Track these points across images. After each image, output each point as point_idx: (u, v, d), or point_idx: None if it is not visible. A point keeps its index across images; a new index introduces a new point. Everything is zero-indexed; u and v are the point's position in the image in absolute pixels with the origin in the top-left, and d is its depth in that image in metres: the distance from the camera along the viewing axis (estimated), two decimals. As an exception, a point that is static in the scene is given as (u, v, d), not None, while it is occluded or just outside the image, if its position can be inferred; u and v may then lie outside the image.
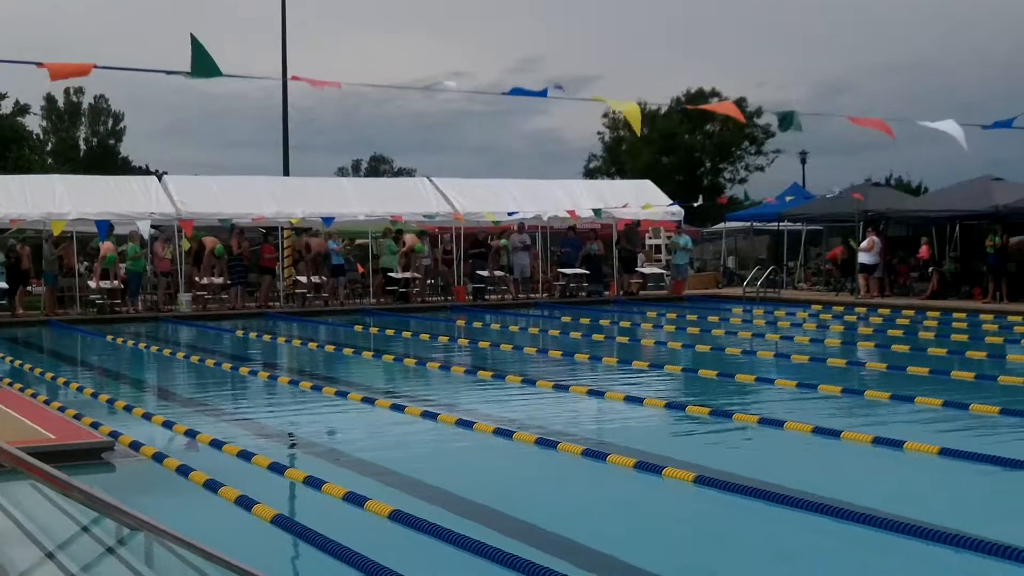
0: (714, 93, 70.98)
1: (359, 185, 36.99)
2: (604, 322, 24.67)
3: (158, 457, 9.86)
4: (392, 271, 29.74)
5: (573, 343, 20.51)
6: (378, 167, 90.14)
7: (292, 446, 11.36)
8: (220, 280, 28.44)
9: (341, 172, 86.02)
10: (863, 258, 30.02)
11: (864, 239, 30.16)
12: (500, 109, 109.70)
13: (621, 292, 32.66)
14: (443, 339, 21.41)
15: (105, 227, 26.35)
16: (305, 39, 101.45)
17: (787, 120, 15.61)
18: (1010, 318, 23.56)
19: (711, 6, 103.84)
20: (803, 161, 56.15)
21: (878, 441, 10.36)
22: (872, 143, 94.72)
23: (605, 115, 73.97)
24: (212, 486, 8.71)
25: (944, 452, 9.72)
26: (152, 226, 27.15)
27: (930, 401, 12.62)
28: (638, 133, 17.83)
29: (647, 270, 34.28)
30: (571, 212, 30.90)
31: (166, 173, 32.25)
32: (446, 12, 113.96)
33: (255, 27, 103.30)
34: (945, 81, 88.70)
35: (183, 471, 9.27)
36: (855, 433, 10.70)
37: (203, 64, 10.61)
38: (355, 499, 8.18)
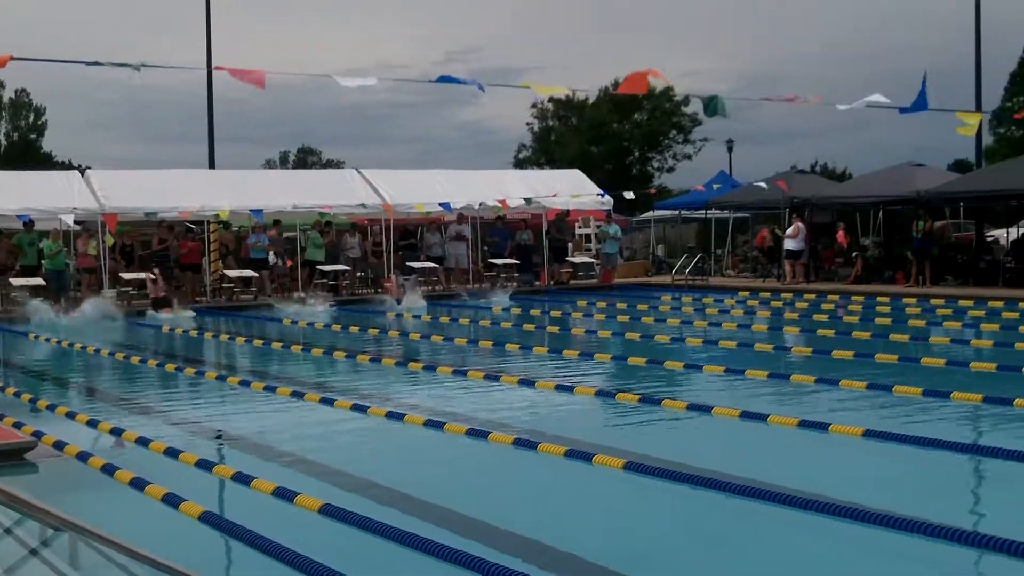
0: (641, 82, 71.26)
1: (287, 177, 36.83)
2: (535, 311, 24.74)
3: (83, 456, 9.74)
4: (319, 264, 29.59)
5: (504, 333, 20.56)
6: (306, 159, 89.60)
7: (220, 442, 11.28)
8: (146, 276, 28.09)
9: (269, 164, 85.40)
10: (788, 244, 30.38)
11: (789, 226, 30.48)
12: (430, 100, 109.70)
13: (552, 282, 32.75)
14: (373, 331, 21.33)
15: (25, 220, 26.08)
16: (232, 29, 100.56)
17: (712, 105, 15.74)
18: (932, 301, 23.93)
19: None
20: (730, 149, 56.65)
21: (804, 424, 10.49)
22: (797, 131, 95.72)
23: (534, 105, 74.17)
24: (138, 484, 8.62)
25: (868, 434, 9.87)
26: (76, 221, 26.81)
27: (855, 384, 12.81)
28: (564, 95, 17.88)
29: (577, 259, 34.41)
30: (502, 202, 30.92)
31: (90, 168, 31.82)
32: (376, 3, 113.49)
33: (182, 16, 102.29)
34: (868, 70, 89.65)
35: (108, 470, 9.17)
36: (782, 417, 10.83)
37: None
38: (285, 494, 8.14)
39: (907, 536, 6.84)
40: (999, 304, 22.69)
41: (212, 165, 38.42)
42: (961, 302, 23.59)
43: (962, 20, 40.45)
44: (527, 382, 14.02)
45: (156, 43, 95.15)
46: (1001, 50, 68.13)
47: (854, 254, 30.85)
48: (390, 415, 11.73)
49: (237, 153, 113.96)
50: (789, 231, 30.29)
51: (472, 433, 10.55)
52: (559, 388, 13.44)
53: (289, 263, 30.97)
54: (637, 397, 12.50)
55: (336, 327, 22.28)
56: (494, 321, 22.51)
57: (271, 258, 29.77)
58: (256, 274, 29.02)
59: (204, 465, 9.41)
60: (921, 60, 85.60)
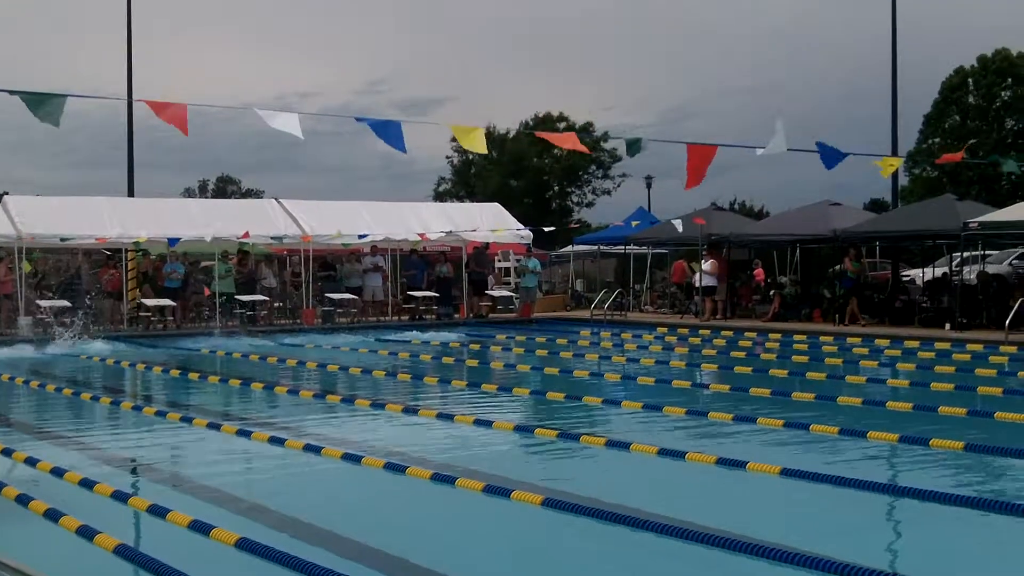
0: (561, 117, 71.94)
1: (206, 206, 36.47)
2: (454, 344, 24.67)
3: (-5, 486, 9.55)
4: (232, 295, 29.33)
5: (422, 366, 20.49)
6: (225, 188, 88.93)
7: (135, 474, 11.09)
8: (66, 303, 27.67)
9: (188, 193, 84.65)
10: (705, 280, 30.60)
11: (705, 262, 30.75)
12: (349, 130, 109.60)
13: (471, 315, 32.73)
14: (291, 362, 21.15)
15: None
16: (152, 55, 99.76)
17: (635, 146, 15.89)
18: (849, 340, 24.24)
19: (560, 31, 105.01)
20: (648, 185, 57.10)
21: (721, 462, 10.54)
22: (715, 168, 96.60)
23: (454, 139, 74.28)
24: (52, 515, 8.48)
25: (785, 472, 9.93)
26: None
27: (772, 422, 12.91)
28: (485, 152, 17.88)
29: (496, 293, 34.44)
30: (422, 235, 30.88)
31: (6, 193, 31.31)
32: (296, 32, 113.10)
33: (103, 39, 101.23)
34: (785, 108, 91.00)
35: (22, 500, 9.01)
36: (699, 454, 10.88)
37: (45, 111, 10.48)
38: (200, 527, 8.03)
39: (818, 574, 6.88)
40: (915, 344, 23.03)
41: (131, 193, 38.01)
42: (877, 341, 23.91)
43: (879, 59, 41.17)
44: (445, 416, 13.97)
45: (75, 65, 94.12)
46: (916, 91, 69.56)
47: (771, 292, 31.20)
48: (307, 447, 11.63)
49: (156, 181, 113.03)
50: (706, 267, 30.54)
51: (390, 467, 10.48)
52: (478, 423, 13.40)
53: (207, 292, 30.69)
54: (555, 432, 12.50)
55: (254, 357, 22.04)
56: (412, 354, 22.42)
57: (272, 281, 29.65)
58: (173, 303, 28.72)
59: (119, 497, 9.26)
60: (838, 99, 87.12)
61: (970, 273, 29.56)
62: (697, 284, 30.65)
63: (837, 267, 32.20)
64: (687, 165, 15.95)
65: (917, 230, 28.84)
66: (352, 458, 10.95)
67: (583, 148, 14.96)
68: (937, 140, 54.16)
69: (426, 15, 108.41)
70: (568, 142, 15.64)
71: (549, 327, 30.05)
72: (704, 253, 30.70)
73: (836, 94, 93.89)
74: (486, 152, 14.24)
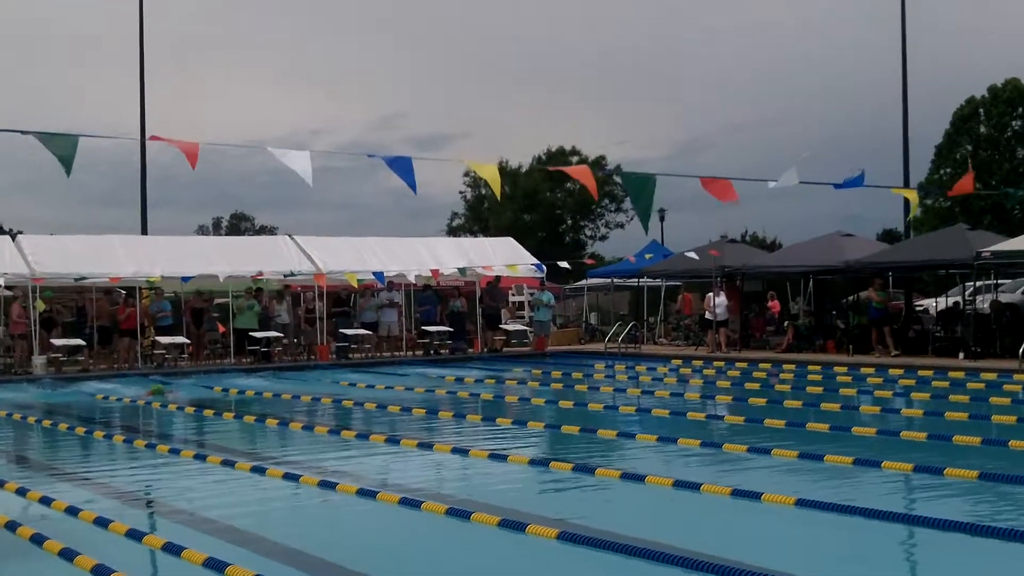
0: (574, 151, 72.10)
1: (219, 243, 36.64)
2: (468, 379, 24.70)
3: (11, 526, 9.59)
4: (252, 331, 29.42)
5: (438, 401, 20.51)
6: (239, 225, 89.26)
7: (151, 512, 11.14)
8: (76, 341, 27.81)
9: (201, 230, 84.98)
10: (719, 313, 30.54)
11: (719, 295, 30.68)
12: (363, 165, 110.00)
13: (485, 349, 32.77)
14: (305, 399, 21.18)
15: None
16: (166, 92, 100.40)
17: (642, 198, 15.91)
18: (863, 370, 24.21)
19: (574, 65, 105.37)
20: (662, 219, 57.03)
21: (737, 493, 10.54)
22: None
23: (467, 174, 74.62)
24: (68, 555, 8.51)
25: (800, 503, 9.93)
26: (6, 287, 26.52)
27: (786, 453, 12.89)
28: (499, 197, 17.93)
29: (510, 327, 34.46)
30: (434, 272, 30.97)
31: (20, 232, 31.52)
32: (308, 68, 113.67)
33: (116, 78, 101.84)
34: (795, 140, 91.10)
35: (37, 539, 9.04)
36: (714, 485, 10.87)
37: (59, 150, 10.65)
38: (215, 564, 8.04)
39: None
40: (928, 373, 22.98)
41: (145, 231, 38.24)
42: (891, 371, 23.87)
43: (891, 91, 41.31)
44: (460, 450, 13.98)
45: (87, 103, 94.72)
46: (928, 122, 69.69)
47: (785, 323, 31.18)
48: (323, 484, 11.65)
49: (169, 218, 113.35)
50: (719, 299, 30.47)
51: (405, 502, 10.49)
52: (492, 456, 13.41)
53: (222, 329, 30.79)
54: (571, 466, 12.50)
55: (268, 395, 22.08)
56: (428, 388, 22.44)
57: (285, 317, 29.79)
58: (188, 340, 28.86)
59: (134, 535, 9.28)
60: (850, 130, 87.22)
61: (983, 302, 29.51)
62: (711, 317, 30.58)
63: (851, 298, 32.19)
64: (712, 192, 16.02)
65: (930, 260, 28.82)
66: (367, 494, 10.97)
67: (593, 187, 14.95)
68: (948, 170, 54.14)
69: (439, 51, 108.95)
70: (581, 175, 15.63)
71: (563, 360, 30.05)
72: (718, 286, 30.70)
73: (847, 126, 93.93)
74: (498, 193, 14.34)
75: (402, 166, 13.89)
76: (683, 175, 15.55)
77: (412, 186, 13.99)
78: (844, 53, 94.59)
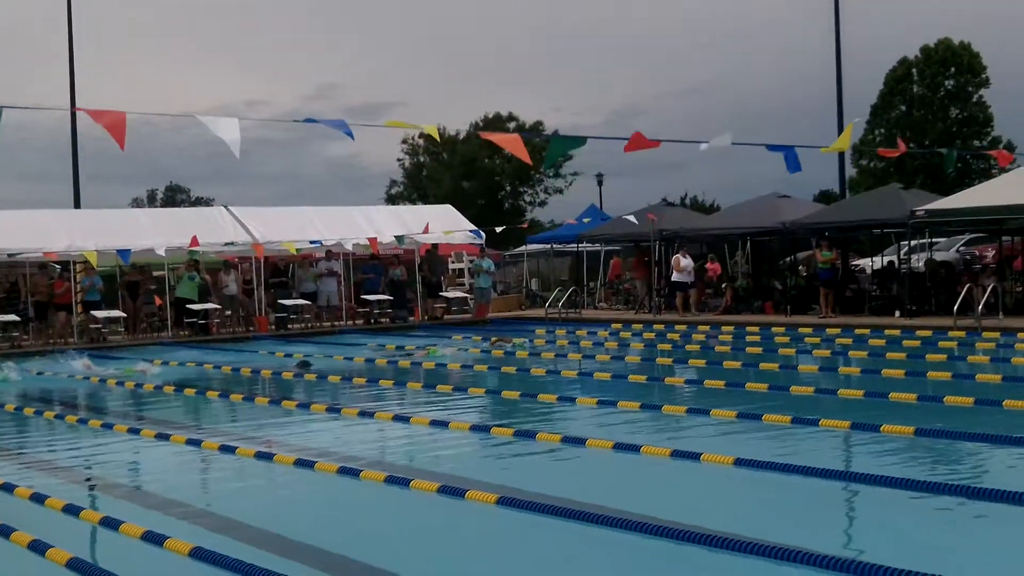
0: (511, 117, 71.90)
1: (155, 216, 36.21)
2: (409, 348, 24.63)
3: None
4: (191, 302, 29.15)
5: (378, 369, 20.44)
6: (175, 197, 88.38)
7: (89, 487, 11.03)
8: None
9: (136, 203, 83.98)
10: (678, 277, 30.35)
11: (684, 258, 30.43)
12: (298, 136, 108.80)
13: (426, 317, 32.69)
14: (246, 371, 21.03)
15: None
16: (97, 66, 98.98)
17: (565, 146, 15.78)
18: (800, 330, 24.41)
19: (508, 33, 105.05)
20: (600, 183, 57.13)
21: (676, 454, 10.60)
22: (666, 164, 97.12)
23: (404, 141, 74.23)
24: (3, 531, 8.41)
25: (739, 462, 10.00)
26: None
27: (725, 413, 12.97)
28: (438, 139, 17.80)
29: (451, 294, 34.39)
30: (372, 240, 30.81)
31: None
32: (242, 40, 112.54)
33: (46, 52, 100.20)
34: (730, 104, 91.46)
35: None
36: (654, 447, 10.92)
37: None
38: (154, 538, 7.98)
39: (779, 564, 6.93)
40: (865, 331, 23.20)
41: (78, 205, 37.75)
42: (828, 330, 24.08)
43: (825, 54, 41.50)
44: (402, 418, 13.96)
45: (16, 76, 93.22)
46: (863, 83, 70.16)
47: (723, 285, 31.34)
48: (259, 455, 11.58)
49: (103, 192, 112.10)
50: (684, 262, 30.19)
51: (343, 471, 10.45)
52: (434, 424, 13.40)
53: (159, 302, 30.48)
54: (512, 431, 12.52)
55: (208, 366, 21.90)
56: (368, 358, 22.35)
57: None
58: (123, 314, 28.56)
59: (71, 510, 9.18)
60: (785, 93, 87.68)
61: (918, 261, 29.83)
62: (680, 278, 30.27)
63: (788, 259, 32.39)
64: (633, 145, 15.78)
65: (865, 220, 29.09)
66: (305, 464, 10.91)
67: (526, 156, 14.70)
68: (883, 131, 54.60)
69: (372, 21, 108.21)
70: (512, 144, 15.33)
71: (504, 327, 30.04)
72: (682, 250, 30.54)
73: (782, 89, 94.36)
74: (438, 137, 14.15)
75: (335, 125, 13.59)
76: (611, 137, 15.37)
77: (349, 134, 13.65)
78: (778, 17, 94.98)
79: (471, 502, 8.97)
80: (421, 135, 72.57)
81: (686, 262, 30.38)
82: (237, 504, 9.58)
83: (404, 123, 14.85)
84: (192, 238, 28.12)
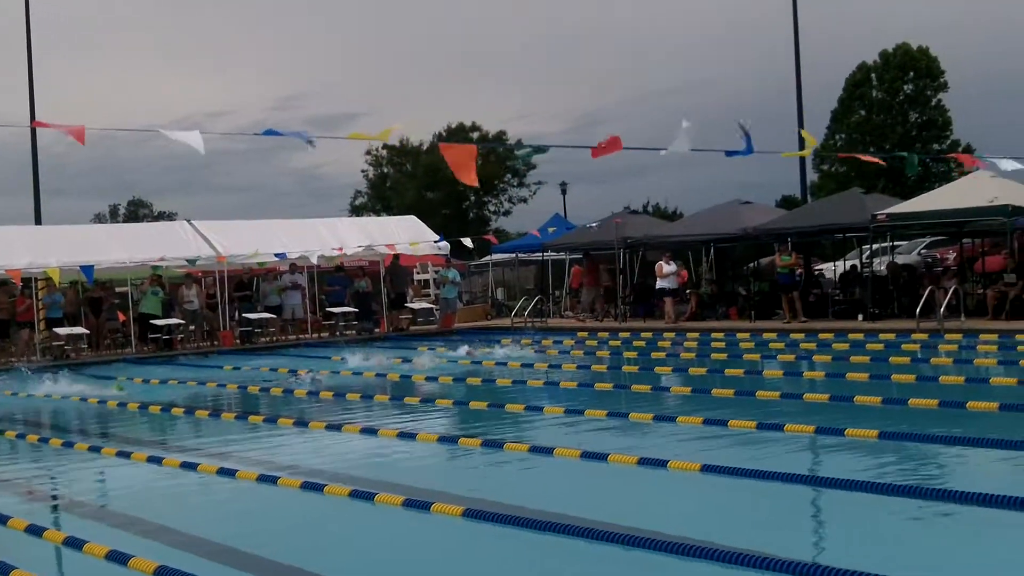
0: (475, 127, 71.97)
1: (117, 231, 36.01)
2: (377, 359, 24.54)
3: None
4: (155, 317, 28.99)
5: (345, 382, 20.36)
6: (137, 211, 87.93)
7: (52, 507, 10.93)
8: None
9: (98, 218, 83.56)
10: (662, 283, 30.10)
11: (669, 264, 30.17)
12: (262, 147, 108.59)
13: (391, 328, 32.62)
14: (211, 385, 20.92)
15: None
16: (56, 78, 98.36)
17: (523, 156, 15.72)
18: (765, 335, 24.49)
19: (470, 41, 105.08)
20: (563, 192, 57.25)
21: (643, 462, 10.61)
22: (628, 171, 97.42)
23: (368, 152, 74.19)
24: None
25: (706, 468, 10.03)
26: None
27: (692, 420, 13.01)
28: (399, 140, 17.53)
29: (417, 305, 34.32)
30: (338, 249, 30.72)
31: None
32: (204, 51, 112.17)
33: (3, 66, 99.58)
34: (693, 111, 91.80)
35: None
36: (621, 455, 10.93)
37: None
38: (118, 557, 7.92)
39: (747, 570, 6.94)
40: (829, 336, 23.29)
41: (39, 220, 37.50)
42: (793, 335, 24.16)
43: (784, 59, 41.83)
44: (369, 431, 13.91)
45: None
46: (823, 88, 70.57)
47: (688, 291, 31.40)
48: (221, 471, 11.51)
49: (65, 207, 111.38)
50: (669, 268, 29.81)
51: (307, 486, 10.40)
52: (401, 436, 13.37)
53: (122, 318, 30.30)
54: (479, 441, 12.51)
55: (173, 381, 21.77)
56: (334, 370, 22.27)
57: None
58: (86, 331, 28.37)
59: (34, 531, 9.10)
60: (746, 99, 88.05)
61: (881, 265, 30.00)
62: (664, 285, 29.98)
63: (752, 265, 32.51)
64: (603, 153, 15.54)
65: (827, 224, 29.21)
66: (268, 479, 10.86)
67: (472, 179, 14.53)
68: (843, 135, 54.94)
69: (336, 31, 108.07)
70: (462, 163, 14.92)
71: (470, 337, 29.98)
72: (665, 256, 30.27)
73: (743, 96, 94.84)
74: (397, 140, 14.03)
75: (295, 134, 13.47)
76: (577, 146, 15.36)
77: (310, 141, 13.53)
78: (738, 23, 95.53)
79: (437, 515, 8.94)
80: (385, 146, 72.58)
81: (669, 268, 30.00)
82: (201, 521, 9.52)
83: (366, 135, 14.62)
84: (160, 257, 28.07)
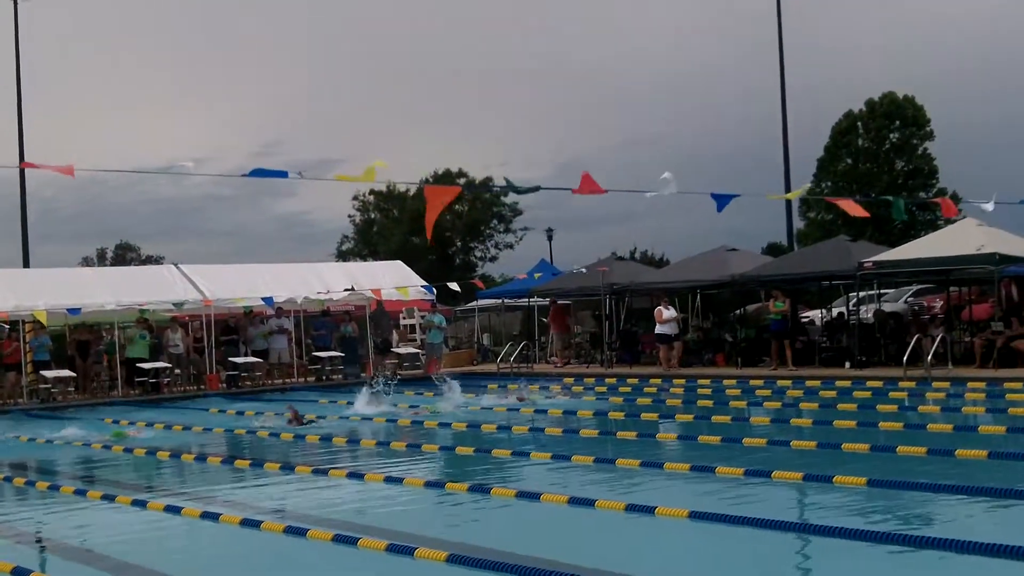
0: (461, 173, 72.12)
1: (103, 275, 35.96)
2: (323, 402, 24.49)
3: None
4: (142, 360, 28.92)
5: (331, 426, 20.28)
6: (124, 255, 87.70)
7: (40, 550, 10.86)
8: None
9: (86, 261, 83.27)
10: (661, 328, 29.43)
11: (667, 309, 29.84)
12: (248, 192, 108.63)
13: (377, 374, 32.54)
14: (197, 429, 20.83)
15: None
16: (44, 124, 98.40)
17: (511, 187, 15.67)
18: (752, 382, 24.47)
19: (455, 87, 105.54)
20: (550, 238, 57.46)
21: (631, 508, 10.58)
22: (613, 217, 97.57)
23: (355, 197, 74.31)
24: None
25: (693, 515, 10.00)
26: None
27: (679, 466, 12.98)
28: (379, 183, 17.48)
29: (403, 350, 34.27)
30: (323, 293, 30.70)
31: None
32: (187, 97, 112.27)
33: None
34: (677, 158, 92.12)
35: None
36: (609, 501, 10.90)
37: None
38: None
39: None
40: (816, 383, 23.30)
41: (27, 264, 37.48)
42: (780, 382, 24.16)
43: (770, 109, 42.13)
44: (355, 475, 13.86)
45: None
46: (809, 137, 70.84)
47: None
48: (205, 515, 11.45)
49: (53, 251, 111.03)
50: (668, 314, 29.42)
51: (290, 531, 10.34)
52: (388, 480, 13.31)
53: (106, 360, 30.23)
54: (466, 486, 12.46)
55: (159, 426, 21.65)
56: (320, 415, 22.18)
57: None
58: (73, 374, 28.29)
59: (20, 573, 9.02)
60: (734, 147, 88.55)
61: (867, 312, 30.05)
62: (665, 330, 29.52)
63: (738, 311, 32.55)
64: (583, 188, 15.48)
65: (814, 272, 29.26)
66: (250, 523, 10.78)
67: (428, 234, 14.57)
68: (829, 183, 55.16)
69: (320, 77, 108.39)
70: (434, 208, 14.84)
71: (457, 382, 29.89)
72: (663, 301, 29.96)
73: (729, 143, 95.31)
74: (383, 185, 14.04)
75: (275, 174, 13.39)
76: (558, 188, 15.32)
77: (297, 173, 13.42)
78: (724, 72, 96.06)
79: (420, 560, 8.88)
80: (371, 191, 72.80)
81: (669, 313, 29.43)
82: (180, 565, 9.46)
83: (351, 177, 14.51)
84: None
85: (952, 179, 55.30)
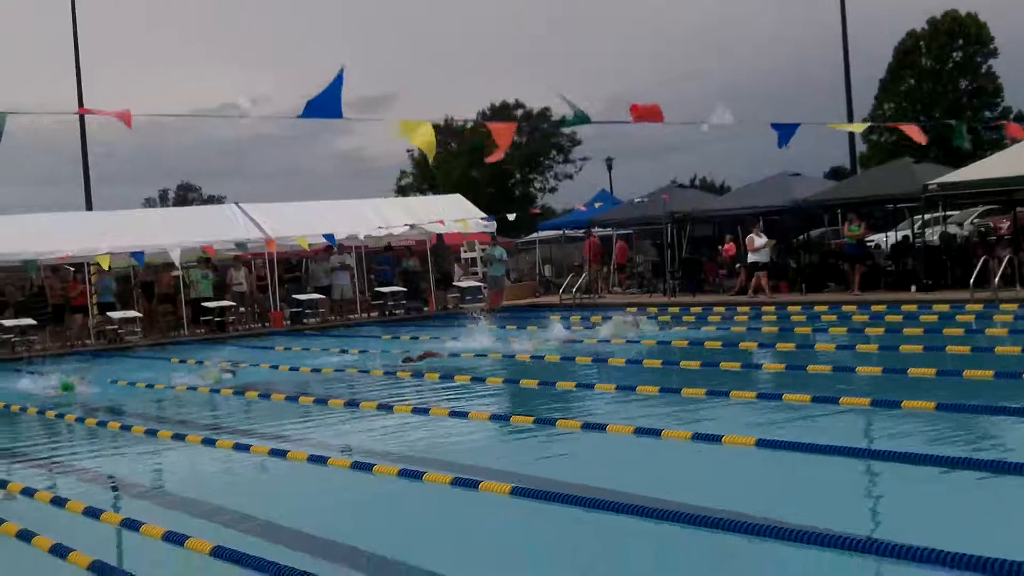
0: (518, 105, 71.82)
1: (167, 216, 36.22)
2: (424, 338, 24.58)
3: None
4: (208, 300, 29.18)
5: (395, 361, 20.35)
6: (186, 195, 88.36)
7: (109, 489, 11.01)
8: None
9: (148, 203, 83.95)
10: (754, 256, 28.90)
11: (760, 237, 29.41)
12: (305, 132, 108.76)
13: (440, 308, 32.65)
14: (264, 366, 20.99)
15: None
16: (102, 71, 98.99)
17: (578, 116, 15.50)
18: (816, 308, 24.22)
19: (508, 21, 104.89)
20: (609, 167, 57.16)
21: (697, 437, 10.54)
22: (674, 146, 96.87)
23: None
24: (25, 536, 8.41)
25: (761, 443, 9.95)
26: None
27: (745, 394, 12.91)
28: (431, 160, 17.50)
29: (464, 284, 34.30)
30: (381, 228, 30.78)
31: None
32: (241, 40, 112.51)
33: (51, 59, 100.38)
34: (738, 86, 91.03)
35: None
36: (675, 431, 10.87)
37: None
38: (175, 538, 7.96)
39: (805, 547, 6.86)
40: (882, 308, 23.02)
41: (89, 207, 37.80)
42: (844, 307, 23.92)
43: (831, 27, 41.39)
44: (420, 410, 13.91)
45: (21, 80, 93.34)
46: (870, 59, 69.76)
47: (737, 265, 31.14)
48: (273, 452, 11.55)
49: (115, 194, 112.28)
50: (759, 242, 28.68)
51: (356, 466, 10.41)
52: (453, 415, 13.35)
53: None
54: (531, 419, 12.47)
55: (224, 364, 21.81)
56: (384, 350, 22.29)
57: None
58: (139, 314, 28.60)
59: (91, 513, 9.17)
60: (795, 72, 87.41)
61: (933, 234, 29.66)
62: (755, 258, 29.09)
63: (803, 236, 32.21)
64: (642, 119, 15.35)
65: (878, 195, 28.91)
66: (318, 460, 10.87)
67: (499, 155, 14.60)
68: (893, 104, 54.36)
69: (377, 14, 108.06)
70: (501, 134, 14.88)
71: (519, 315, 29.92)
72: (755, 228, 29.43)
73: (788, 65, 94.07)
74: (433, 153, 13.98)
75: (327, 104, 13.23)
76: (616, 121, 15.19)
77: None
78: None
79: (484, 492, 8.90)
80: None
81: (760, 241, 28.75)
82: (255, 502, 9.54)
83: (402, 122, 14.36)
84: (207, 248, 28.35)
85: (1018, 98, 54.40)
